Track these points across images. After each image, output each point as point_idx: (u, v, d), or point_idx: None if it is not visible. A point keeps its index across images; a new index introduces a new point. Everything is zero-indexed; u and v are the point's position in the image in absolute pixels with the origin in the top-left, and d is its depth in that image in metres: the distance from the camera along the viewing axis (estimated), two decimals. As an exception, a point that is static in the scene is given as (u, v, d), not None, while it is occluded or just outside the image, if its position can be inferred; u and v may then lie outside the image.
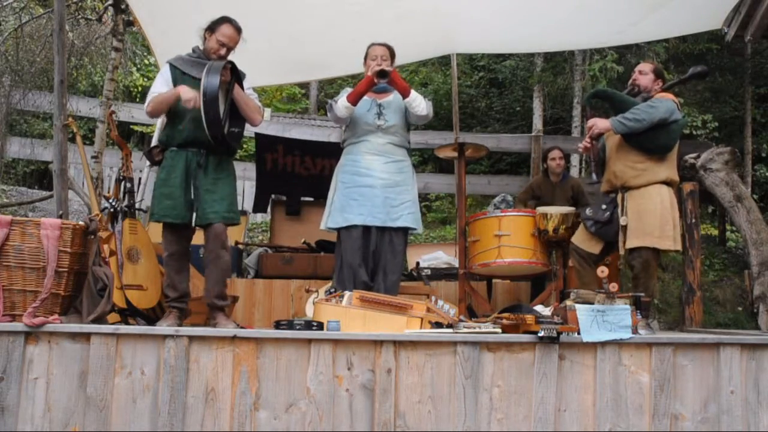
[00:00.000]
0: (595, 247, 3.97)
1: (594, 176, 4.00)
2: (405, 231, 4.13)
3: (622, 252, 3.89)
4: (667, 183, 3.84)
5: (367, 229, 3.99)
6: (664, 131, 3.77)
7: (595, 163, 4.00)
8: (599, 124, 3.90)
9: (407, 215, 4.07)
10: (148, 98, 3.66)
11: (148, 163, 6.73)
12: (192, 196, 3.58)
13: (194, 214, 3.58)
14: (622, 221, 3.81)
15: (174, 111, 3.64)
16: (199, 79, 3.49)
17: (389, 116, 4.10)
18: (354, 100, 3.99)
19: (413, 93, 4.06)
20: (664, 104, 3.78)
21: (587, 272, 3.95)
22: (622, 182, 3.88)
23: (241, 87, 3.69)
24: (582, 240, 4.02)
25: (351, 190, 4.02)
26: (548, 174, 5.72)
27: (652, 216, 3.75)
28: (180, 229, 3.66)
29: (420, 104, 4.06)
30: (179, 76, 3.65)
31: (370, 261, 4.01)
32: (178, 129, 3.63)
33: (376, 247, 4.01)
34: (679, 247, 3.83)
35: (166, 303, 3.68)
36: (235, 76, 3.64)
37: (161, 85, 3.66)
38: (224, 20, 3.70)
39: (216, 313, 3.59)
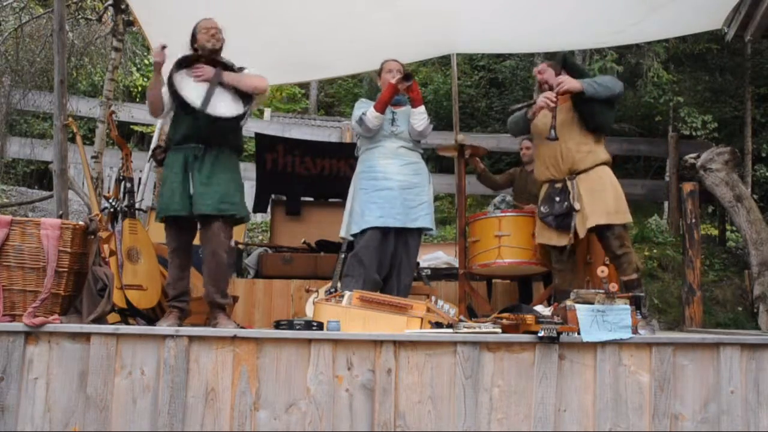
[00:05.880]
0: (563, 239, 3.95)
1: (553, 133, 3.89)
2: (420, 232, 4.19)
3: (582, 235, 3.89)
4: (607, 164, 4.00)
5: (385, 231, 4.01)
6: (612, 109, 3.96)
7: (554, 119, 3.89)
8: (571, 82, 3.87)
9: (424, 216, 4.13)
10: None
11: (148, 163, 6.79)
12: (191, 190, 3.59)
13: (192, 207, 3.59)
14: (576, 206, 3.86)
15: (174, 112, 3.70)
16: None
17: (401, 123, 4.18)
18: (382, 108, 4.07)
19: (422, 107, 4.15)
20: (621, 84, 3.97)
21: (567, 266, 4.00)
22: (568, 166, 3.95)
23: (232, 71, 3.70)
24: (548, 237, 4.03)
25: (370, 194, 4.07)
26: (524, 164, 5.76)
27: (606, 194, 3.87)
28: (180, 224, 3.66)
29: (423, 119, 4.15)
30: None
31: (387, 263, 4.04)
32: (176, 128, 3.68)
33: (394, 249, 4.06)
34: (631, 219, 3.97)
35: (167, 302, 3.68)
36: (221, 67, 3.66)
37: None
38: (197, 25, 3.76)
39: (217, 311, 3.58)
